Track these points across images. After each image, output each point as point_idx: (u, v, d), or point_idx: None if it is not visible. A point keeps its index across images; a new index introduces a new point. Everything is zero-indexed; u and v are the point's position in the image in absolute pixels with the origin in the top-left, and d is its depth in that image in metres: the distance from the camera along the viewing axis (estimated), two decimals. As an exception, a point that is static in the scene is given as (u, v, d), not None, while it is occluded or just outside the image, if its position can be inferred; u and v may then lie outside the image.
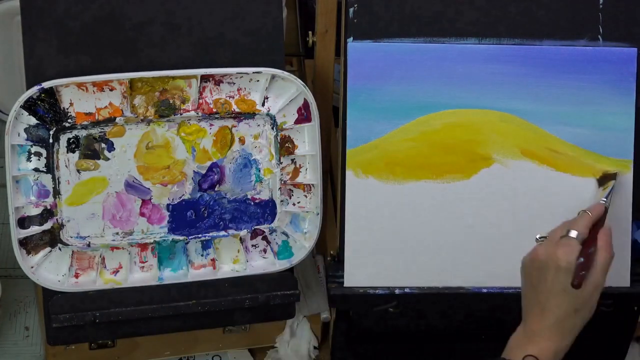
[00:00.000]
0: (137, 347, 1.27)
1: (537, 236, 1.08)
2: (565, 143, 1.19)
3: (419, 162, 1.19)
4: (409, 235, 1.19)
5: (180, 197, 1.18)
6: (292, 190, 1.21)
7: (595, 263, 1.03)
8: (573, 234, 1.04)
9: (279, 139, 1.19)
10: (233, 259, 1.22)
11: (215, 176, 1.19)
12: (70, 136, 1.13)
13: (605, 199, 1.12)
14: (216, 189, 1.20)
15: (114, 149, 1.15)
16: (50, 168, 1.13)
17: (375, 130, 1.18)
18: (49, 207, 1.14)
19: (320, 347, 1.34)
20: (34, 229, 1.14)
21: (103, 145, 1.15)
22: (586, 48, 1.19)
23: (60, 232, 1.16)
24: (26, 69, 1.12)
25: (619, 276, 1.20)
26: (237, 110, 1.17)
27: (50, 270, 1.16)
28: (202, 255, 1.21)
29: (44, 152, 1.13)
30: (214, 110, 1.16)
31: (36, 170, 1.13)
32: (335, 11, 1.24)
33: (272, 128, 1.19)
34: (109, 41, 1.13)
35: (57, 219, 1.15)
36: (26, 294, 1.33)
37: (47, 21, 1.12)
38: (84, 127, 1.14)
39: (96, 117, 1.13)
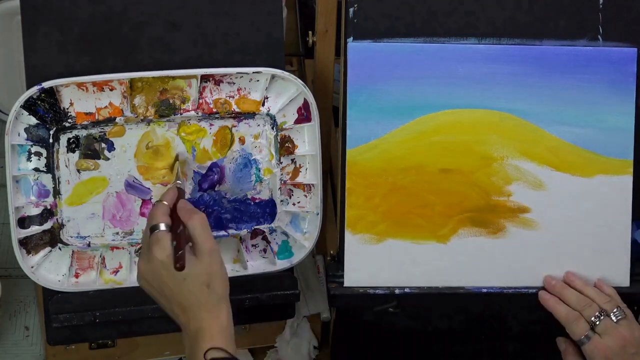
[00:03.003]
0: (137, 347, 1.27)
1: (135, 252, 1.10)
2: (565, 143, 1.19)
3: (418, 162, 1.19)
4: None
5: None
6: (292, 190, 1.21)
7: (192, 235, 1.02)
8: (160, 227, 1.02)
9: (279, 139, 1.19)
10: (233, 259, 1.22)
11: (215, 176, 1.19)
12: (70, 136, 1.14)
13: (178, 181, 1.12)
14: (216, 188, 1.20)
15: (114, 149, 1.15)
16: (50, 168, 1.13)
17: (375, 130, 1.18)
18: (49, 207, 1.14)
19: (320, 347, 1.34)
20: (34, 229, 1.14)
21: (103, 145, 1.15)
22: (586, 48, 1.19)
23: (60, 232, 1.16)
24: (26, 69, 1.12)
25: (619, 276, 1.20)
26: (237, 110, 1.17)
27: (50, 270, 1.16)
28: (202, 255, 1.21)
29: (44, 152, 1.13)
30: (214, 110, 1.16)
31: (36, 170, 1.13)
32: (335, 11, 1.24)
33: (272, 128, 1.19)
34: (109, 41, 1.13)
35: (57, 219, 1.15)
36: (26, 294, 1.33)
37: (47, 21, 1.12)
38: (84, 127, 1.14)
39: (96, 117, 1.13)
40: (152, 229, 1.03)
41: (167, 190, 1.09)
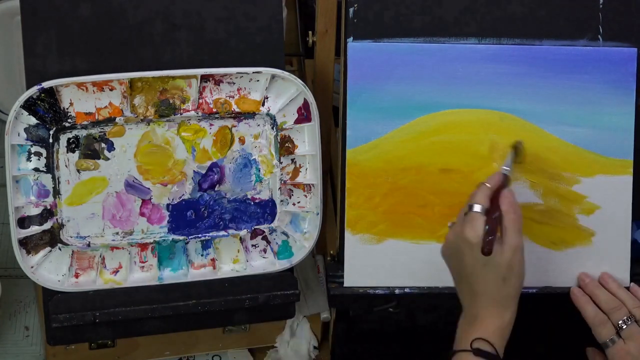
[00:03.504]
0: (137, 347, 1.27)
1: (449, 224, 1.08)
2: (565, 143, 1.19)
3: (418, 162, 1.19)
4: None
5: (180, 197, 1.19)
6: (292, 190, 1.21)
7: (504, 226, 1.03)
8: (476, 207, 1.04)
9: (279, 139, 1.19)
10: (233, 259, 1.22)
11: (215, 176, 1.19)
12: (70, 136, 1.14)
13: (506, 168, 1.11)
14: (216, 188, 1.20)
15: (114, 148, 1.15)
16: (50, 168, 1.13)
17: (375, 130, 1.18)
18: (49, 207, 1.14)
19: (320, 347, 1.34)
20: (34, 229, 1.14)
21: (103, 145, 1.15)
22: (586, 48, 1.19)
23: (60, 232, 1.16)
24: (26, 69, 1.12)
25: (619, 276, 1.20)
26: (237, 110, 1.17)
27: (50, 270, 1.16)
28: (202, 255, 1.21)
29: (44, 152, 1.13)
30: (214, 110, 1.16)
31: (36, 170, 1.13)
32: (335, 11, 1.24)
33: (272, 128, 1.19)
34: (109, 41, 1.13)
35: (57, 219, 1.15)
36: (26, 294, 1.33)
37: (47, 21, 1.12)
38: (84, 127, 1.14)
39: (96, 117, 1.13)
40: (470, 207, 1.04)
41: (494, 174, 1.09)
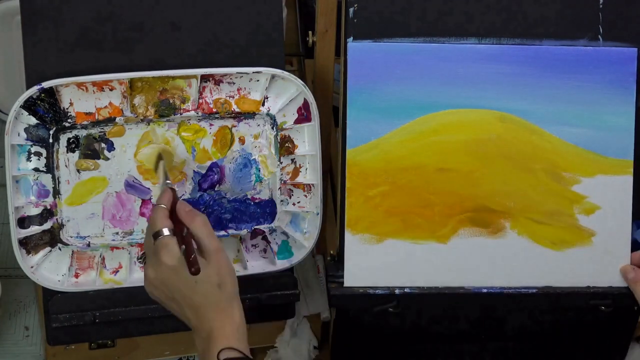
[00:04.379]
0: (137, 347, 1.27)
1: (138, 259, 1.09)
2: (565, 143, 1.19)
3: (418, 161, 1.19)
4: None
5: (180, 197, 1.18)
6: (292, 190, 1.21)
7: (196, 237, 1.02)
8: (163, 232, 1.01)
9: (279, 138, 1.19)
10: (233, 259, 1.22)
11: (215, 176, 1.19)
12: (70, 136, 1.14)
13: (167, 182, 1.10)
14: (216, 188, 1.20)
15: (114, 148, 1.15)
16: (50, 168, 1.13)
17: (375, 130, 1.18)
18: (48, 207, 1.14)
19: (320, 347, 1.34)
20: (34, 229, 1.14)
21: (103, 145, 1.15)
22: (586, 48, 1.19)
23: (60, 232, 1.16)
24: (26, 69, 1.12)
25: (619, 276, 1.20)
26: (237, 110, 1.17)
27: (50, 270, 1.16)
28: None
29: (44, 152, 1.13)
30: (214, 110, 1.16)
31: (36, 170, 1.13)
32: (335, 11, 1.24)
33: (272, 128, 1.19)
34: (109, 41, 1.13)
35: (57, 219, 1.15)
36: (26, 294, 1.33)
37: (47, 21, 1.12)
38: (84, 127, 1.14)
39: (96, 117, 1.13)
40: (156, 235, 1.02)
41: (162, 193, 1.07)
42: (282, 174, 1.20)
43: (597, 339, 1.29)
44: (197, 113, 1.16)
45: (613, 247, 1.20)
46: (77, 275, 1.17)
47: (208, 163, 1.19)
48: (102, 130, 1.14)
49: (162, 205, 1.04)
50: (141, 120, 1.15)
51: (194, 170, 1.18)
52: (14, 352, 1.28)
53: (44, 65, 1.12)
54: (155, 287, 1.03)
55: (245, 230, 1.21)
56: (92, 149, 1.15)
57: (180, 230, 1.03)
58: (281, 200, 1.21)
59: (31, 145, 1.12)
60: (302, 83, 1.16)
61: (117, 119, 1.14)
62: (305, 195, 1.21)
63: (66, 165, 1.14)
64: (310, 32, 1.28)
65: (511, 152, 1.19)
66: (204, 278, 1.01)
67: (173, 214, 1.04)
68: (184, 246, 1.01)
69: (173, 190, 1.07)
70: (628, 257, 1.20)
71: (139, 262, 1.15)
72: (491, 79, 1.19)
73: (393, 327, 1.26)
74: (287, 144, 1.19)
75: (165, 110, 1.15)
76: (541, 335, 1.28)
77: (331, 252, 1.23)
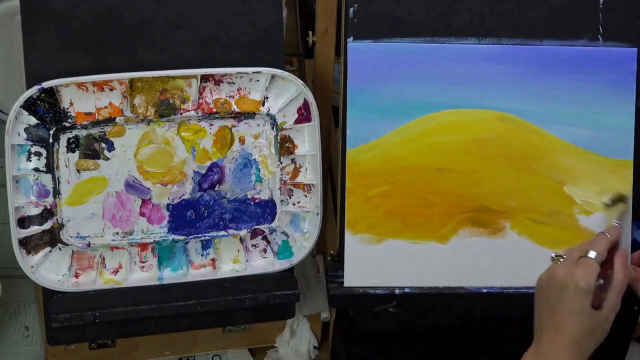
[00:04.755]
0: (137, 347, 1.27)
1: (552, 254, 1.06)
2: (565, 143, 1.19)
3: (418, 162, 1.19)
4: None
5: (180, 197, 1.19)
6: (292, 190, 1.21)
7: (612, 285, 1.02)
8: (592, 254, 1.02)
9: (279, 138, 1.19)
10: (233, 259, 1.22)
11: (215, 176, 1.19)
12: (70, 136, 1.14)
13: (618, 222, 1.11)
14: (216, 188, 1.20)
15: (114, 148, 1.15)
16: (50, 168, 1.13)
17: (375, 130, 1.18)
18: (49, 207, 1.14)
19: (320, 347, 1.34)
20: (34, 229, 1.14)
21: (103, 145, 1.15)
22: (586, 48, 1.19)
23: (60, 231, 1.16)
24: (26, 69, 1.12)
25: (619, 276, 1.20)
26: (237, 110, 1.17)
27: (50, 270, 1.16)
28: (202, 255, 1.21)
29: (44, 152, 1.13)
30: (214, 110, 1.16)
31: (36, 170, 1.13)
32: (335, 11, 1.24)
33: (272, 128, 1.19)
34: (109, 41, 1.13)
35: (57, 219, 1.15)
36: (26, 294, 1.33)
37: (47, 21, 1.12)
38: (84, 127, 1.14)
39: (96, 117, 1.13)
40: (586, 251, 1.02)
41: (614, 227, 1.08)
42: (282, 174, 1.20)
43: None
44: (197, 113, 1.16)
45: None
46: (77, 275, 1.17)
47: (208, 163, 1.19)
48: (102, 130, 1.14)
49: (607, 235, 1.05)
50: (141, 120, 1.15)
51: (194, 170, 1.18)
52: (14, 352, 1.28)
53: (44, 65, 1.12)
54: (550, 284, 1.03)
55: (245, 230, 1.21)
56: (92, 149, 1.15)
57: (607, 268, 1.03)
58: (281, 200, 1.21)
59: (31, 145, 1.12)
60: (302, 83, 1.16)
61: (117, 119, 1.14)
62: (305, 195, 1.21)
63: (66, 165, 1.14)
64: (310, 32, 1.28)
65: (511, 152, 1.19)
66: (590, 316, 1.01)
67: (610, 252, 1.04)
68: (602, 280, 1.02)
69: (620, 234, 1.07)
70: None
71: (553, 257, 1.07)
72: (491, 79, 1.19)
73: (393, 327, 1.26)
74: (287, 144, 1.19)
75: (165, 110, 1.15)
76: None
77: (331, 252, 1.23)
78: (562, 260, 1.04)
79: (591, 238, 1.06)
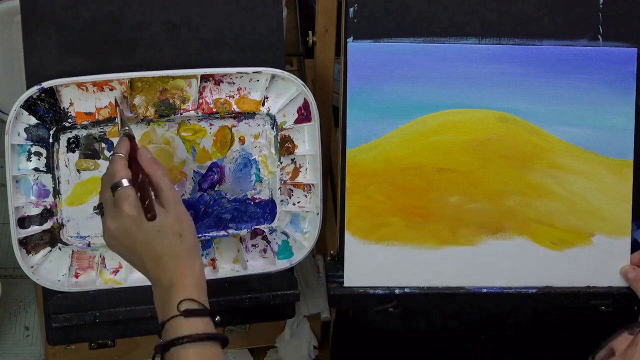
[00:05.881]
0: (137, 347, 1.27)
1: (93, 210, 1.06)
2: (565, 143, 1.19)
3: (418, 162, 1.19)
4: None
5: (180, 197, 1.18)
6: (292, 190, 1.21)
7: (156, 185, 1.01)
8: (124, 182, 1.00)
9: (279, 138, 1.19)
10: (233, 258, 1.22)
11: (215, 176, 1.19)
12: (70, 136, 1.14)
13: (126, 129, 1.07)
14: (216, 188, 1.20)
15: (114, 148, 1.15)
16: (50, 168, 1.13)
17: (375, 130, 1.18)
18: (49, 207, 1.14)
19: (320, 347, 1.34)
20: (34, 229, 1.14)
21: (103, 145, 1.15)
22: (586, 48, 1.19)
23: (60, 231, 1.16)
24: (26, 69, 1.12)
25: (619, 276, 1.20)
26: (237, 110, 1.17)
27: (50, 270, 1.16)
28: (202, 255, 1.20)
29: (44, 151, 1.13)
30: (214, 110, 1.16)
31: (36, 170, 1.13)
32: (335, 11, 1.24)
33: (272, 128, 1.19)
34: (109, 41, 1.13)
35: (57, 219, 1.15)
36: (26, 294, 1.33)
37: (47, 21, 1.12)
38: (84, 127, 1.14)
39: (96, 117, 1.13)
40: (115, 185, 1.01)
41: (120, 141, 1.05)
42: (282, 174, 1.20)
43: (597, 339, 1.29)
44: (197, 113, 1.16)
45: (613, 247, 1.20)
46: (77, 275, 1.17)
47: (208, 163, 1.19)
48: (102, 130, 1.14)
49: (121, 155, 1.03)
50: (141, 120, 1.15)
51: (194, 170, 1.18)
52: (14, 352, 1.28)
53: (44, 65, 1.12)
54: (115, 239, 1.02)
55: (245, 230, 1.21)
56: (92, 149, 1.15)
57: (135, 178, 1.02)
58: (281, 200, 1.21)
59: (31, 145, 1.12)
60: (302, 83, 1.16)
61: (117, 119, 1.14)
62: (305, 195, 1.21)
63: (66, 165, 1.14)
64: (310, 32, 1.28)
65: (511, 152, 1.19)
66: (165, 227, 1.00)
67: (131, 162, 1.03)
68: (138, 193, 1.00)
69: (132, 137, 1.06)
70: (628, 257, 1.20)
71: (95, 212, 1.10)
72: (491, 79, 1.19)
73: (393, 327, 1.26)
74: (287, 144, 1.19)
75: (165, 110, 1.15)
76: (541, 335, 1.28)
77: (331, 252, 1.23)
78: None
79: (110, 166, 1.03)
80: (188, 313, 0.98)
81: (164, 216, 1.01)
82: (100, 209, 1.03)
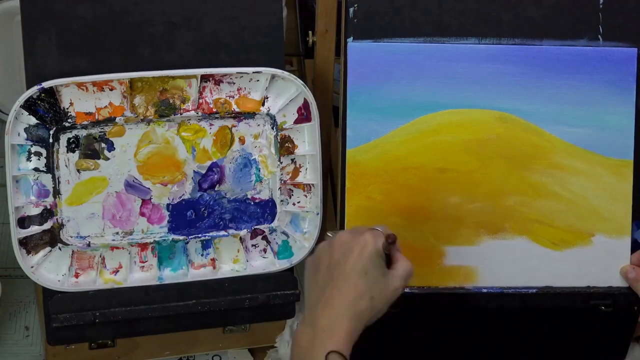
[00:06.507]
0: (137, 347, 1.27)
1: (328, 233, 1.05)
2: (565, 143, 1.19)
3: (418, 161, 1.19)
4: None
5: (180, 197, 1.19)
6: (292, 190, 1.21)
7: (396, 260, 1.01)
8: (379, 227, 1.01)
9: (279, 138, 1.19)
10: (233, 258, 1.22)
11: (215, 176, 1.19)
12: (70, 136, 1.14)
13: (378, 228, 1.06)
14: (216, 188, 1.20)
15: (114, 148, 1.15)
16: (50, 168, 1.13)
17: (375, 130, 1.18)
18: (49, 207, 1.14)
19: (320, 347, 1.34)
20: (34, 229, 1.14)
21: (103, 145, 1.15)
22: (586, 48, 1.19)
23: (60, 231, 1.16)
24: (26, 69, 1.12)
25: (619, 276, 1.20)
26: (237, 110, 1.17)
27: (50, 270, 1.16)
28: (202, 255, 1.21)
29: (44, 151, 1.13)
30: (214, 110, 1.16)
31: (36, 170, 1.13)
32: (335, 11, 1.24)
33: (272, 128, 1.19)
34: (109, 41, 1.13)
35: (57, 219, 1.15)
36: (26, 294, 1.33)
37: (47, 21, 1.12)
38: (84, 127, 1.14)
39: (96, 117, 1.13)
40: (373, 227, 1.00)
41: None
42: (282, 174, 1.20)
43: (597, 339, 1.29)
44: (197, 113, 1.16)
45: (613, 247, 1.20)
46: (77, 275, 1.17)
47: (208, 163, 1.19)
48: (102, 130, 1.14)
49: (379, 230, 1.02)
50: (141, 120, 1.15)
51: (194, 170, 1.18)
52: (14, 352, 1.28)
53: (44, 65, 1.12)
54: (335, 248, 0.99)
55: (245, 230, 1.21)
56: (92, 149, 1.15)
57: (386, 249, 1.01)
58: (281, 200, 1.21)
59: (31, 145, 1.12)
60: (302, 83, 1.16)
61: (117, 119, 1.14)
62: (305, 195, 1.21)
63: (66, 165, 1.14)
64: (310, 32, 1.28)
65: (511, 152, 1.19)
66: (372, 279, 0.98)
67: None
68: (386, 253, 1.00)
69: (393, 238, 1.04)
70: (628, 257, 1.20)
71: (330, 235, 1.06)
72: (491, 79, 1.19)
73: (393, 327, 1.26)
74: (287, 144, 1.19)
75: (165, 110, 1.15)
76: (541, 335, 1.28)
77: (331, 252, 1.22)
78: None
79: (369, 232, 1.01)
80: None
81: (384, 274, 0.99)
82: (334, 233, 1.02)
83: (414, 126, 1.18)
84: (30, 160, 1.13)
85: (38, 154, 1.13)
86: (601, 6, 1.19)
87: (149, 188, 1.17)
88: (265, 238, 1.22)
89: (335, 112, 1.30)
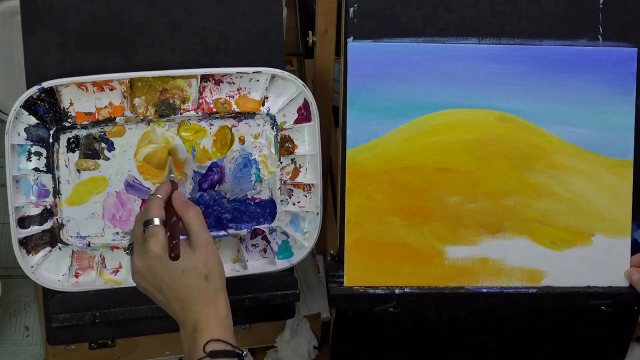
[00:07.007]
0: (137, 347, 1.27)
1: (124, 250, 1.08)
2: (565, 143, 1.19)
3: (418, 161, 1.19)
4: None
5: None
6: (292, 190, 1.21)
7: (187, 227, 1.02)
8: (155, 221, 1.02)
9: (279, 138, 1.19)
10: (233, 258, 1.22)
11: (215, 176, 1.19)
12: (70, 136, 1.14)
13: (171, 175, 1.11)
14: (216, 188, 1.20)
15: (114, 148, 1.15)
16: (50, 168, 1.13)
17: (375, 130, 1.18)
18: (49, 207, 1.14)
19: (320, 347, 1.34)
20: (34, 229, 1.14)
21: (103, 145, 1.15)
22: (586, 48, 1.19)
23: (60, 231, 1.16)
24: (26, 69, 1.12)
25: (619, 276, 1.20)
26: (237, 110, 1.17)
27: (50, 270, 1.16)
28: (202, 255, 1.21)
29: (44, 151, 1.13)
30: (214, 110, 1.16)
31: (36, 170, 1.13)
32: (335, 11, 1.24)
33: (272, 128, 1.19)
34: (109, 41, 1.13)
35: (57, 219, 1.15)
36: (26, 294, 1.33)
37: (47, 21, 1.12)
38: (84, 127, 1.14)
39: (96, 117, 1.13)
40: (147, 223, 1.02)
41: (162, 184, 1.08)
42: (282, 174, 1.20)
43: (597, 339, 1.29)
44: (197, 113, 1.16)
45: (613, 247, 1.20)
46: (77, 275, 1.17)
47: (208, 163, 1.19)
48: (102, 130, 1.14)
49: (159, 196, 1.05)
50: (141, 120, 1.15)
51: (194, 170, 1.18)
52: (14, 352, 1.28)
53: (44, 65, 1.12)
54: (142, 277, 1.03)
55: (245, 230, 1.21)
56: (92, 149, 1.15)
57: (169, 219, 1.03)
58: (281, 200, 1.21)
59: (31, 145, 1.12)
60: (302, 83, 1.16)
61: (117, 119, 1.14)
62: (305, 195, 1.21)
63: (66, 165, 1.14)
64: (310, 32, 1.28)
65: (511, 152, 1.19)
66: (190, 268, 1.01)
67: (168, 206, 1.05)
68: (168, 233, 1.01)
69: (174, 183, 1.08)
70: (628, 257, 1.20)
71: (126, 252, 1.12)
72: (491, 79, 1.19)
73: (393, 327, 1.26)
74: (287, 144, 1.19)
75: (165, 110, 1.15)
76: (541, 335, 1.28)
77: (331, 252, 1.23)
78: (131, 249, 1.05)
79: (146, 205, 1.05)
80: (214, 354, 0.99)
81: (190, 256, 1.01)
82: (130, 248, 1.05)
83: (414, 126, 1.18)
84: (31, 160, 1.13)
85: (38, 154, 1.13)
86: (601, 6, 1.19)
87: (149, 188, 1.17)
88: (265, 238, 1.22)
89: (335, 112, 1.30)
